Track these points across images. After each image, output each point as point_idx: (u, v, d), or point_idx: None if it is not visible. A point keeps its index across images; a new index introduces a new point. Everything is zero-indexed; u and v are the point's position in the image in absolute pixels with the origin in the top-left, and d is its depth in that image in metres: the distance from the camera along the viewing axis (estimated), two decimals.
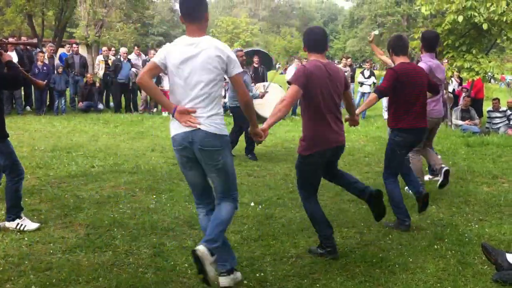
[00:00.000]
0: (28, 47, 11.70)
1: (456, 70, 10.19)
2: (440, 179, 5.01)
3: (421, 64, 4.80)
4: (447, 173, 4.98)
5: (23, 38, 16.30)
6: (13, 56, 10.28)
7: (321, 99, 3.35)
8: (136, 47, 13.46)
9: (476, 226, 4.28)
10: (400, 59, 4.24)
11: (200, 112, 2.88)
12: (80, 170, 6.08)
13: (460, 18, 8.89)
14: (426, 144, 5.26)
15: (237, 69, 2.93)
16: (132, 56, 12.76)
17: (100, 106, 12.48)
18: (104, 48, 13.93)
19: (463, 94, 11.69)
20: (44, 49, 12.41)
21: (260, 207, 4.68)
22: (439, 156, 5.64)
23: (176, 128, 2.93)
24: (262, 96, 7.26)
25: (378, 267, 3.39)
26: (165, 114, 12.33)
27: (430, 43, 5.07)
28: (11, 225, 3.96)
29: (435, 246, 3.77)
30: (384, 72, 6.66)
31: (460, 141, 8.86)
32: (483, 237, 3.96)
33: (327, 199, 5.02)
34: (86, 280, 3.12)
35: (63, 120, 10.64)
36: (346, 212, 4.64)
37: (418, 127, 4.24)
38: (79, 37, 26.02)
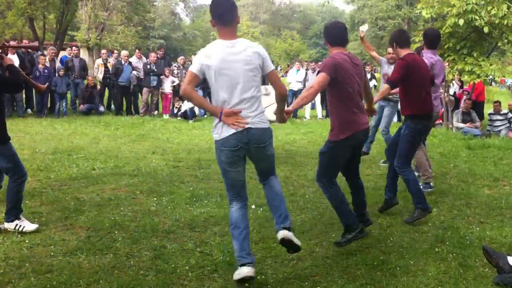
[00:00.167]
0: (29, 50, 11.73)
1: (457, 73, 10.19)
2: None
3: None
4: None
5: (25, 41, 16.39)
6: (15, 59, 10.37)
7: (350, 86, 3.55)
8: (137, 50, 13.49)
9: (477, 228, 4.27)
10: (406, 51, 4.37)
11: (247, 111, 3.00)
12: (81, 172, 6.08)
13: (461, 21, 8.90)
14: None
15: (271, 65, 3.12)
16: (133, 59, 12.79)
17: (101, 108, 12.51)
18: (103, 51, 13.96)
19: (464, 97, 11.72)
20: (45, 52, 12.45)
21: (261, 209, 4.67)
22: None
23: (227, 130, 3.01)
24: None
25: (379, 269, 3.38)
26: (166, 116, 12.36)
27: (432, 40, 5.24)
28: (10, 226, 3.97)
29: (436, 249, 3.75)
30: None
31: (461, 143, 8.84)
32: (484, 240, 3.95)
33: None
34: (86, 282, 3.12)
35: (64, 122, 10.65)
36: None
37: (432, 112, 4.57)
38: (81, 40, 26.13)
